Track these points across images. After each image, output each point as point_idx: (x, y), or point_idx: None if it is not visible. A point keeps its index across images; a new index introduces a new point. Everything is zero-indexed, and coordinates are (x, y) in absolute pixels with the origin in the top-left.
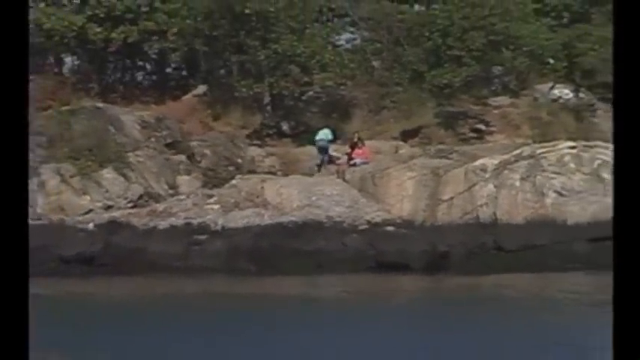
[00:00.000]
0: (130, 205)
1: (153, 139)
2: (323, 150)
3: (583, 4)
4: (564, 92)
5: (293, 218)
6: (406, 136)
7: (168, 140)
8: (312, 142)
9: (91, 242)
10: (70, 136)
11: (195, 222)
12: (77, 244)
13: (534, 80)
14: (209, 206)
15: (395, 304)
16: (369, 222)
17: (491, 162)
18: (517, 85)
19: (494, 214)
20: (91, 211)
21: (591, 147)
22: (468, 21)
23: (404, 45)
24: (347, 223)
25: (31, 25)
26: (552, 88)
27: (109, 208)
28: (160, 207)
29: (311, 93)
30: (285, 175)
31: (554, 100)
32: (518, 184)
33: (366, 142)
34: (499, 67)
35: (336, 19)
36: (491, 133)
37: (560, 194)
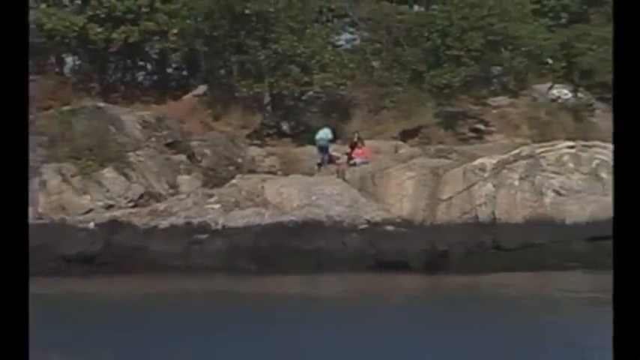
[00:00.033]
0: (130, 204)
1: (153, 139)
2: (323, 149)
3: (581, 5)
4: (563, 92)
5: (293, 218)
6: (406, 136)
7: (169, 140)
8: (312, 142)
9: (91, 241)
10: (71, 136)
11: (195, 221)
12: (78, 244)
13: (533, 80)
14: (209, 206)
15: (394, 303)
16: (368, 221)
17: (490, 162)
18: (516, 85)
19: (493, 213)
20: (91, 210)
21: (590, 147)
22: (466, 21)
23: (403, 45)
24: (347, 222)
25: (32, 26)
26: (551, 88)
27: (109, 207)
28: (161, 206)
29: (311, 93)
30: (286, 174)
31: (553, 100)
32: (517, 183)
33: (366, 142)
34: (498, 68)
35: (335, 20)
36: (490, 132)
37: (559, 194)
